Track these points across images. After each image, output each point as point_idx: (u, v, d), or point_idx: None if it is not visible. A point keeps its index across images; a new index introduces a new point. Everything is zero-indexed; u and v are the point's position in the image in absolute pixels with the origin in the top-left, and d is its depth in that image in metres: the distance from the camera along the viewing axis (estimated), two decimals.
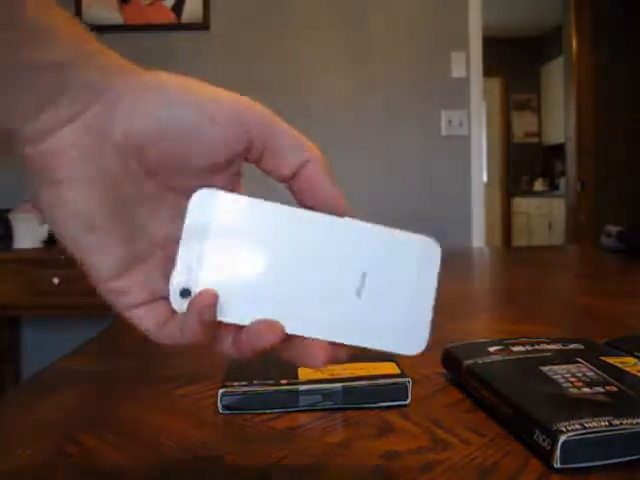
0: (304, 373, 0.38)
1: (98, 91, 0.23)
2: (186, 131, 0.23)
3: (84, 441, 0.33)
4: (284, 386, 0.37)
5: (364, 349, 0.24)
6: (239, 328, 0.24)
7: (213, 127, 0.23)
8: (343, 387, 0.37)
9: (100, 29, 2.46)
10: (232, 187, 0.26)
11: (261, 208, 0.24)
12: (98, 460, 0.31)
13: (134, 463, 0.30)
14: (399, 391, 0.38)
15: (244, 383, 0.37)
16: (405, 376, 0.38)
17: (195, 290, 0.23)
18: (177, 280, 0.23)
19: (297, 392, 0.37)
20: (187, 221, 0.24)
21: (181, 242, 0.24)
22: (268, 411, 0.37)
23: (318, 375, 0.38)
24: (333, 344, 0.24)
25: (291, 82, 2.44)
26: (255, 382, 0.37)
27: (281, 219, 0.24)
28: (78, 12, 2.45)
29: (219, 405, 0.36)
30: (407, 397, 0.38)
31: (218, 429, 0.35)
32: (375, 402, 0.37)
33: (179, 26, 2.46)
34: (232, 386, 0.37)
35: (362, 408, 0.37)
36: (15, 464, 0.30)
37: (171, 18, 2.46)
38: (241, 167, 0.26)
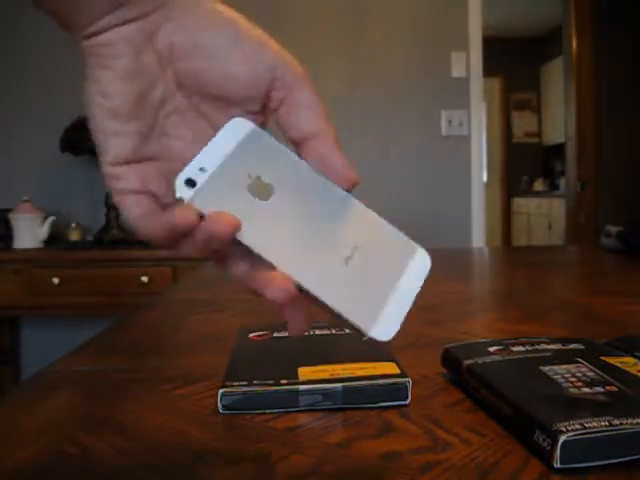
0: (304, 373, 0.38)
1: (161, 3, 0.25)
2: (217, 57, 0.25)
3: (84, 441, 0.33)
4: (284, 386, 0.37)
5: (333, 315, 0.24)
6: None
7: (244, 61, 0.25)
8: (343, 387, 0.37)
9: None
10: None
11: (285, 155, 0.26)
12: (98, 460, 0.31)
13: (134, 463, 0.30)
14: (399, 391, 0.38)
15: (244, 383, 0.37)
16: (405, 376, 0.38)
17: (201, 181, 0.24)
18: (187, 170, 0.25)
19: (297, 392, 0.37)
20: (216, 137, 0.25)
21: (204, 149, 0.25)
22: (268, 411, 0.37)
23: (318, 375, 0.38)
24: (301, 292, 0.24)
25: None
26: (255, 382, 0.37)
27: (300, 172, 0.25)
28: None
29: (219, 405, 0.36)
30: (407, 397, 0.38)
31: (218, 429, 0.35)
32: (375, 402, 0.37)
33: None
34: (232, 386, 0.37)
35: (362, 408, 0.37)
36: (15, 464, 0.30)
37: None
38: (265, 111, 0.27)
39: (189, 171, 0.25)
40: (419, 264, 0.26)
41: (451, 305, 0.71)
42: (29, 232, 2.14)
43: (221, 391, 0.37)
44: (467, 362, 0.40)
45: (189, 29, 0.25)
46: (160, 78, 0.26)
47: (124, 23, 0.25)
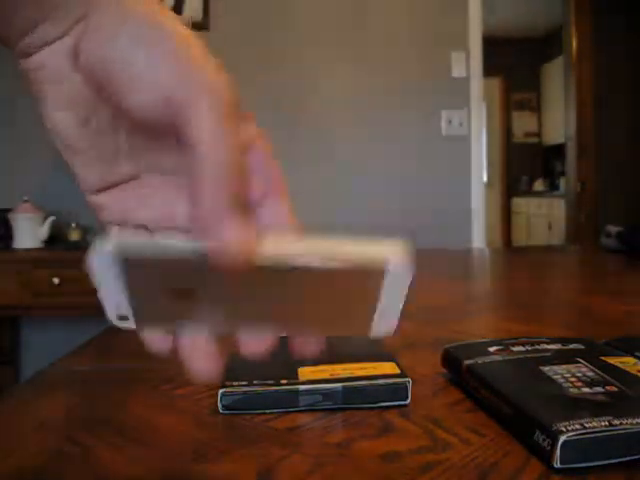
0: (304, 373, 0.38)
1: (85, 9, 0.22)
2: (126, 73, 0.22)
3: (84, 441, 0.33)
4: (284, 386, 0.37)
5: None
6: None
7: (151, 87, 0.22)
8: (343, 387, 0.37)
9: None
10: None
11: (164, 248, 0.20)
12: (98, 460, 0.31)
13: (134, 463, 0.30)
14: (399, 391, 0.38)
15: (244, 383, 0.37)
16: (405, 376, 0.38)
17: (130, 315, 0.23)
18: (110, 314, 0.23)
19: (297, 392, 0.37)
20: (99, 280, 0.22)
21: (104, 300, 0.23)
22: (268, 411, 0.37)
23: (318, 375, 0.38)
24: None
25: (291, 82, 2.44)
26: (255, 382, 0.37)
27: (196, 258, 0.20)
28: None
29: (219, 405, 0.36)
30: (407, 397, 0.38)
31: (218, 429, 0.35)
32: (375, 402, 0.37)
33: None
34: (232, 386, 0.37)
35: (362, 408, 0.37)
36: (15, 464, 0.30)
37: None
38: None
39: (112, 314, 0.23)
40: (396, 275, 0.22)
41: (451, 305, 0.71)
42: (29, 232, 2.14)
43: (221, 391, 0.37)
44: (467, 362, 0.40)
45: (106, 40, 0.22)
46: (98, 98, 0.23)
47: (55, 39, 0.23)
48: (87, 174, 0.25)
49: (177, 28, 0.22)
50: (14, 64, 0.24)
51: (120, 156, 0.25)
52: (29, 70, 0.23)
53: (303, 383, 0.37)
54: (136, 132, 0.24)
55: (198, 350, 0.25)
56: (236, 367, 0.40)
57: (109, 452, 0.31)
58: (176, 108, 0.21)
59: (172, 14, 0.23)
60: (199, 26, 2.47)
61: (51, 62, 0.23)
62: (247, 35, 2.46)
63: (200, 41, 0.23)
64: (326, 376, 0.38)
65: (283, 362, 0.40)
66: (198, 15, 2.46)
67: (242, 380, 0.37)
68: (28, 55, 0.23)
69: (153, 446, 0.32)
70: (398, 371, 0.39)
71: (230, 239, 0.20)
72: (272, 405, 0.37)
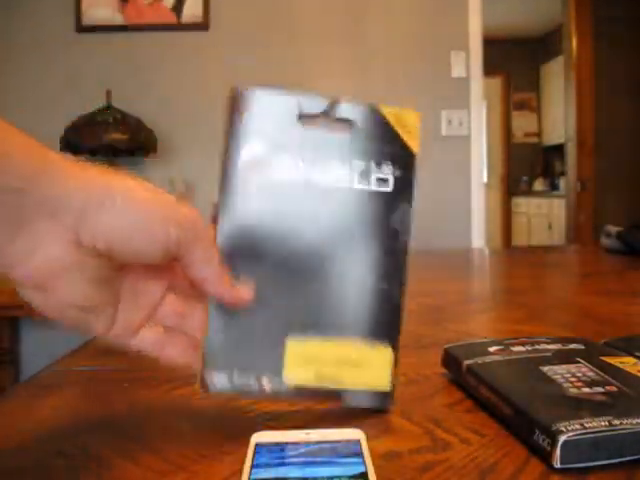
0: (291, 360, 0.35)
1: (62, 206, 0.26)
2: (127, 235, 0.28)
3: (84, 441, 0.33)
4: (266, 393, 0.35)
5: None
6: None
7: (144, 238, 0.29)
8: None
9: (100, 29, 2.46)
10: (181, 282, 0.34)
11: None
12: (98, 460, 0.31)
13: (134, 463, 0.30)
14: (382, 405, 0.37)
15: (224, 378, 0.34)
16: (389, 386, 0.36)
17: None
18: None
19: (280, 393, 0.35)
20: None
21: None
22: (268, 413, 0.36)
23: (303, 378, 0.35)
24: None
25: (291, 82, 2.44)
26: (235, 375, 0.34)
27: None
28: (78, 12, 2.45)
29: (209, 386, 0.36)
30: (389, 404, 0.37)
31: (219, 429, 0.35)
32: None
33: (179, 26, 2.46)
34: (212, 380, 0.35)
35: (362, 408, 0.37)
36: (15, 464, 0.30)
37: (171, 18, 2.46)
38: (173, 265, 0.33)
39: None
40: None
41: (451, 305, 0.71)
42: None
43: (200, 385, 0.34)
44: (467, 362, 0.40)
45: (100, 219, 0.27)
46: (99, 262, 0.28)
47: (43, 241, 0.26)
48: (101, 321, 0.31)
49: (131, 184, 0.29)
50: None
51: (112, 288, 0.31)
52: (26, 276, 0.27)
53: (287, 390, 0.35)
54: (129, 271, 0.32)
55: (172, 339, 0.34)
56: (215, 352, 0.35)
57: (109, 452, 0.31)
58: (175, 252, 0.30)
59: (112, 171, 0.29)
60: (199, 26, 2.47)
61: (53, 259, 0.27)
62: (247, 35, 2.46)
63: (149, 184, 0.30)
64: (310, 379, 0.35)
65: (268, 334, 0.35)
66: (198, 15, 2.46)
67: (222, 368, 0.34)
68: (21, 264, 0.26)
69: (153, 446, 0.32)
70: (388, 375, 0.36)
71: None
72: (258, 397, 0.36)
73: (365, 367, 0.36)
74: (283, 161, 0.35)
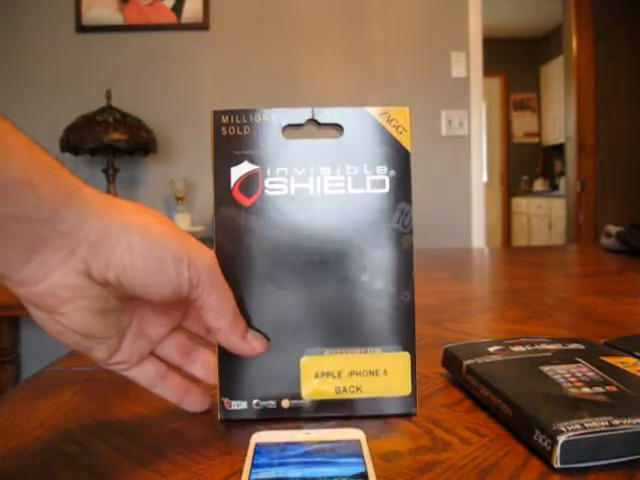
0: (307, 372, 0.36)
1: (78, 238, 0.26)
2: (140, 272, 0.28)
3: (84, 441, 0.33)
4: (286, 411, 0.35)
5: None
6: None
7: (159, 277, 0.29)
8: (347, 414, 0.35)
9: (100, 29, 2.46)
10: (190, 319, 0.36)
11: None
12: (98, 460, 0.31)
13: (134, 463, 0.30)
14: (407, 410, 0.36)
15: (244, 404, 0.35)
16: (413, 393, 0.36)
17: None
18: None
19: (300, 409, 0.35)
20: None
21: None
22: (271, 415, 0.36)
23: (321, 392, 0.36)
24: None
25: (291, 82, 2.44)
26: (255, 402, 0.35)
27: None
28: (78, 12, 2.45)
29: (220, 414, 0.36)
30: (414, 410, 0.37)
31: (219, 429, 0.35)
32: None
33: (179, 26, 2.46)
34: (231, 405, 0.36)
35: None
36: (15, 463, 0.30)
37: (171, 18, 2.46)
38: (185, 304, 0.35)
39: None
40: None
41: (451, 305, 0.71)
42: None
43: (221, 410, 0.35)
44: (467, 362, 0.40)
45: (115, 253, 0.27)
46: (107, 293, 0.29)
47: (57, 267, 0.26)
48: (103, 349, 0.31)
49: (150, 220, 0.29)
50: None
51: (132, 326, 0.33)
52: (35, 296, 0.27)
53: (307, 406, 0.35)
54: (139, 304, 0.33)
55: (190, 388, 0.36)
56: (232, 381, 0.36)
57: (109, 452, 0.31)
58: (187, 293, 0.30)
59: (129, 203, 0.29)
60: (199, 26, 2.47)
61: (65, 287, 0.27)
62: (247, 35, 2.46)
63: (168, 219, 0.30)
64: (331, 393, 0.35)
65: (284, 349, 0.36)
66: (198, 15, 2.46)
67: (241, 397, 0.35)
68: (31, 285, 0.26)
69: (153, 446, 0.32)
70: (409, 382, 0.36)
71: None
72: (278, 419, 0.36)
73: (384, 374, 0.36)
74: (274, 177, 0.35)
